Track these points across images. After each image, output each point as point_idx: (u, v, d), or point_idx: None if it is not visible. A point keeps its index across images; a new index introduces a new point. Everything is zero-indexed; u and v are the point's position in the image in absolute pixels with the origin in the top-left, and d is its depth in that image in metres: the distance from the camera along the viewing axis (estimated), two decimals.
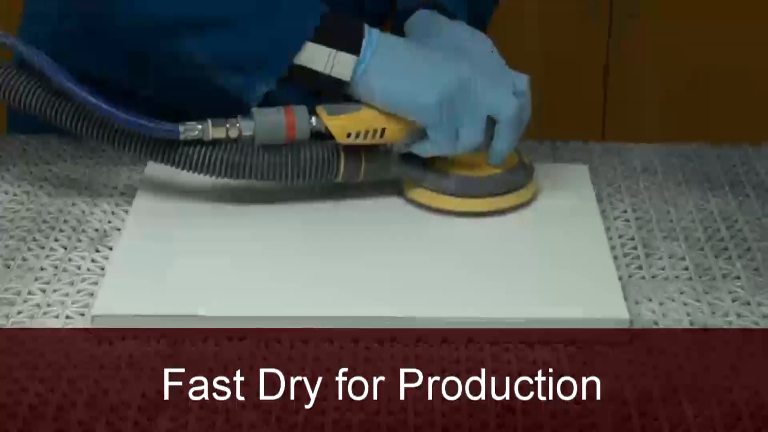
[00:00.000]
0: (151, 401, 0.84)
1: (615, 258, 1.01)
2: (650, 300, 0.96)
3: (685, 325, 0.93)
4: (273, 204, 1.07)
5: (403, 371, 0.87)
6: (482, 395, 0.85)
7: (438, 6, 1.14)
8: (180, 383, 0.86)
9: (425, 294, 0.94)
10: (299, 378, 0.86)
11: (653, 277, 1.00)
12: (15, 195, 1.11)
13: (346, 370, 0.87)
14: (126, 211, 1.07)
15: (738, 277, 1.00)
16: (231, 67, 1.03)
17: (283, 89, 1.04)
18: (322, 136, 1.03)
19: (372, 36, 1.03)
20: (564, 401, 0.84)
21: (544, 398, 0.84)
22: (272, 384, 0.86)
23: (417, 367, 0.88)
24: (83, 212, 1.08)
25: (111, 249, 1.02)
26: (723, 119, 2.12)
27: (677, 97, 2.21)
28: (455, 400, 0.84)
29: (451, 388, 0.85)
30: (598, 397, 0.84)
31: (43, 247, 1.03)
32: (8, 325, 0.92)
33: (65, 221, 1.07)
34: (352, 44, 1.02)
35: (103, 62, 1.14)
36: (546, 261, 0.99)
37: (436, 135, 1.02)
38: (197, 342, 0.90)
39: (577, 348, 0.90)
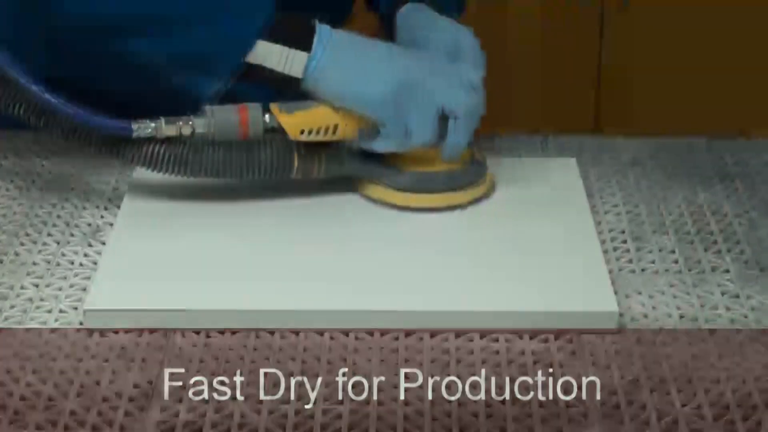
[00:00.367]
0: (142, 392, 0.84)
1: (605, 252, 1.02)
2: (640, 293, 0.97)
3: (675, 318, 0.93)
4: (261, 201, 1.07)
5: (393, 362, 0.88)
6: (472, 386, 0.85)
7: None
8: (171, 374, 0.86)
9: (415, 288, 0.95)
10: (290, 369, 0.87)
11: (643, 270, 1.00)
12: (7, 190, 1.12)
13: (336, 361, 0.88)
14: (119, 206, 1.08)
15: (727, 270, 1.00)
16: (181, 67, 1.04)
17: (244, 87, 1.04)
18: (276, 133, 1.03)
19: (323, 33, 1.03)
20: (553, 391, 0.85)
21: (533, 388, 0.85)
22: (263, 375, 0.86)
23: (407, 359, 0.88)
24: (76, 207, 1.09)
25: (104, 244, 1.02)
26: (713, 112, 2.13)
27: (668, 91, 2.21)
28: (445, 391, 0.85)
29: (441, 378, 0.86)
30: (587, 387, 0.85)
31: (35, 242, 1.03)
32: (1, 320, 0.92)
33: (58, 216, 1.07)
34: (304, 41, 1.02)
35: (56, 61, 1.13)
36: (535, 254, 1.00)
37: (388, 131, 1.03)
38: (189, 333, 0.91)
39: (566, 339, 0.90)
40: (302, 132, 1.03)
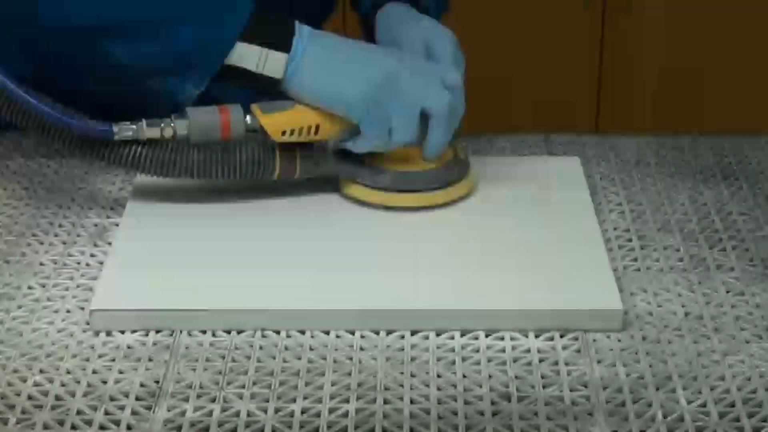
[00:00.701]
0: (149, 391, 0.85)
1: (610, 250, 1.02)
2: (645, 291, 0.97)
3: (680, 316, 0.94)
4: (266, 201, 1.07)
5: (399, 361, 0.88)
6: (477, 383, 0.85)
7: None
8: (178, 373, 0.86)
9: (420, 288, 0.95)
10: (296, 368, 0.87)
11: (648, 268, 1.00)
12: (14, 191, 1.12)
13: (342, 360, 0.88)
14: (124, 207, 1.08)
15: (732, 268, 1.00)
16: (159, 69, 1.04)
17: (228, 88, 1.04)
18: (257, 134, 1.03)
19: (303, 33, 1.03)
20: (559, 389, 0.85)
21: (539, 386, 0.85)
22: (269, 374, 0.86)
23: (413, 357, 0.88)
24: (82, 208, 1.09)
25: (110, 244, 1.03)
26: (716, 111, 2.13)
27: (670, 90, 2.21)
28: (451, 389, 0.85)
29: (447, 377, 0.86)
30: (593, 385, 0.85)
31: (42, 243, 1.03)
32: (8, 320, 0.93)
33: (65, 217, 1.08)
34: (282, 42, 1.03)
35: (37, 62, 1.12)
36: (540, 252, 1.00)
37: (368, 130, 1.03)
38: (195, 333, 0.91)
39: (571, 337, 0.91)
40: (284, 133, 1.03)
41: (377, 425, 0.81)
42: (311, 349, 0.89)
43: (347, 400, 0.84)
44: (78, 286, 0.97)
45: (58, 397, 0.84)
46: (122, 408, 0.83)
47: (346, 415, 0.82)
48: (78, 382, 0.85)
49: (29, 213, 1.08)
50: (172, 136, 1.02)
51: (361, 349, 0.90)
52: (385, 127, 1.03)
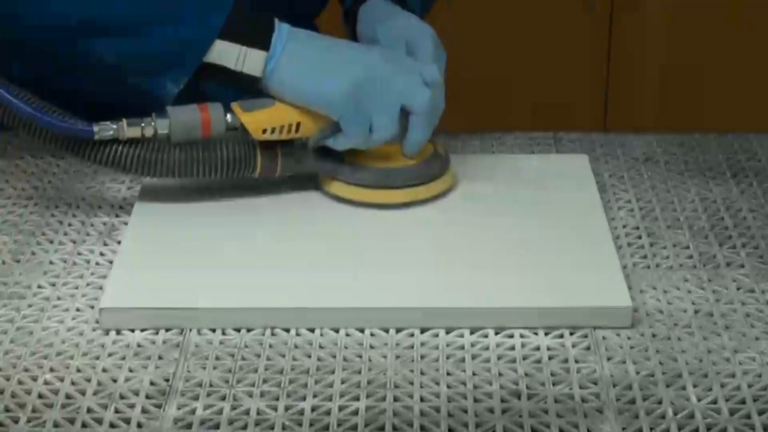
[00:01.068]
0: (159, 390, 0.85)
1: (619, 248, 1.02)
2: (655, 288, 0.97)
3: (690, 313, 0.93)
4: (272, 199, 1.07)
5: (409, 359, 0.88)
6: (487, 380, 0.85)
7: None
8: (188, 371, 0.86)
9: (429, 286, 0.95)
10: (306, 366, 0.87)
11: (657, 266, 1.00)
12: (23, 190, 1.12)
13: (352, 358, 0.88)
14: (133, 205, 1.08)
15: (742, 265, 1.00)
16: (138, 68, 1.04)
17: (215, 87, 1.04)
18: (238, 132, 1.03)
19: (282, 31, 1.03)
20: (568, 386, 0.85)
21: (548, 383, 0.85)
22: (279, 372, 0.86)
23: (422, 355, 0.89)
24: (91, 206, 1.09)
25: (119, 243, 1.03)
26: (724, 108, 2.13)
27: (678, 87, 2.21)
28: (460, 386, 0.85)
29: (457, 373, 0.86)
30: (603, 382, 0.85)
31: (52, 242, 1.04)
32: (19, 319, 0.93)
33: (74, 215, 1.08)
34: (262, 40, 1.02)
35: (20, 60, 1.12)
36: (548, 250, 1.00)
37: (349, 127, 1.03)
38: (205, 331, 0.91)
39: (581, 335, 0.91)
40: (264, 131, 1.03)
41: (387, 423, 0.81)
42: (321, 347, 0.89)
43: (357, 398, 0.84)
44: (88, 285, 0.97)
45: (68, 396, 0.84)
46: (132, 406, 0.83)
47: (356, 412, 0.82)
48: (88, 381, 0.86)
49: (39, 212, 1.08)
50: (153, 136, 1.02)
51: (371, 347, 0.90)
52: (366, 124, 1.03)
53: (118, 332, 0.91)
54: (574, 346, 0.89)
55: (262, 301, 0.93)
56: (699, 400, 0.84)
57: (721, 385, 0.85)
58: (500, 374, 0.86)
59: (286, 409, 0.83)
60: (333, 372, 0.87)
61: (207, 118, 1.02)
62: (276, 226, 1.04)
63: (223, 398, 0.84)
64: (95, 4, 1.02)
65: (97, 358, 0.88)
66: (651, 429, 0.81)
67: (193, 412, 0.83)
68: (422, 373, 0.86)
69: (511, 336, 0.91)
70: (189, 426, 0.81)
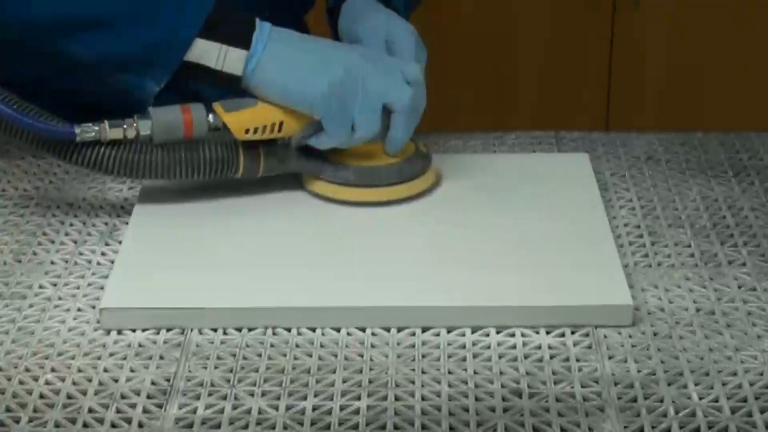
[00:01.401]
0: (160, 389, 0.85)
1: (621, 246, 1.02)
2: (656, 287, 0.97)
3: (692, 311, 0.93)
4: (273, 198, 1.07)
5: (410, 358, 0.88)
6: (488, 379, 0.85)
7: None
8: (189, 371, 0.87)
9: (431, 285, 0.95)
10: (307, 365, 0.87)
11: (659, 264, 1.00)
12: (25, 190, 1.12)
13: (353, 357, 0.88)
14: (134, 205, 1.08)
15: (744, 264, 1.00)
16: (117, 67, 1.03)
17: (203, 86, 1.04)
18: (221, 132, 1.03)
19: (263, 30, 1.03)
20: (570, 385, 0.85)
21: (550, 382, 0.85)
22: (280, 371, 0.86)
23: (423, 354, 0.88)
24: (93, 207, 1.09)
25: (120, 243, 1.03)
26: (726, 107, 2.12)
27: (680, 86, 2.21)
28: (462, 385, 0.85)
29: (458, 372, 0.86)
30: (604, 381, 0.85)
31: (53, 242, 1.04)
32: (20, 319, 0.93)
33: (75, 216, 1.08)
34: (242, 39, 1.02)
35: (1, 61, 1.13)
36: (550, 249, 1.00)
37: (331, 127, 1.03)
38: (206, 331, 0.91)
39: (582, 333, 0.91)
40: (247, 131, 1.03)
41: (388, 422, 0.81)
42: (322, 346, 0.89)
43: (358, 397, 0.84)
44: (89, 285, 0.97)
45: (69, 396, 0.84)
46: (134, 406, 0.83)
47: (357, 411, 0.82)
48: (89, 381, 0.86)
49: (40, 212, 1.08)
50: (135, 137, 1.02)
51: (372, 346, 0.90)
52: (348, 123, 1.03)
53: (119, 332, 0.91)
54: (575, 344, 0.89)
55: (263, 300, 0.93)
56: (700, 398, 0.84)
57: (723, 384, 0.85)
58: (501, 373, 0.86)
59: (288, 408, 0.83)
60: (334, 371, 0.87)
61: (189, 119, 1.02)
62: (277, 226, 1.04)
63: (224, 398, 0.84)
64: (73, 2, 1.01)
65: (99, 358, 0.88)
66: (652, 427, 0.81)
67: (195, 411, 0.83)
68: (423, 372, 0.86)
69: (513, 335, 0.91)
70: (190, 425, 0.81)
